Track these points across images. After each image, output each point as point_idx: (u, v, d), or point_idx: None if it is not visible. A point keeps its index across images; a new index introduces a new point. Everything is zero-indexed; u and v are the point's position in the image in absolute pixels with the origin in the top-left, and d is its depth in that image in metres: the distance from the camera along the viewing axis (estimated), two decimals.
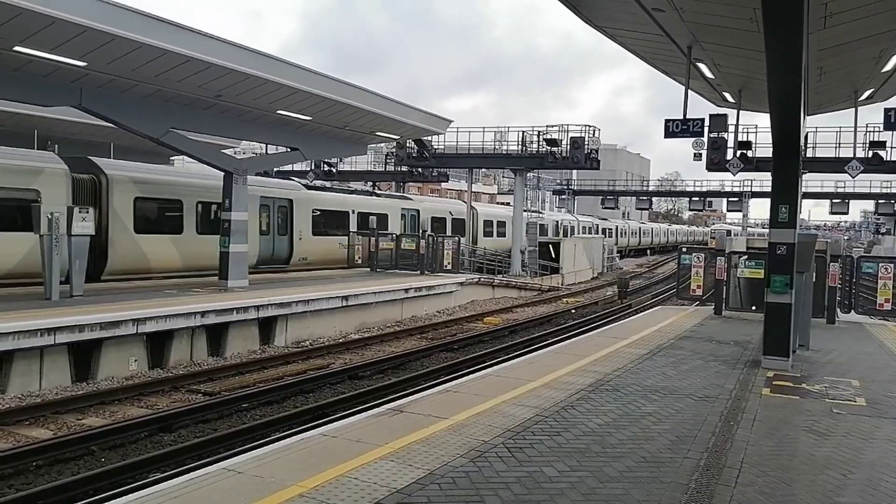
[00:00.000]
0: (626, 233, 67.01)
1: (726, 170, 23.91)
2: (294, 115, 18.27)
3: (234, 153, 28.72)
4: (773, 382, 9.54)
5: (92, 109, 15.21)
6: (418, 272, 24.51)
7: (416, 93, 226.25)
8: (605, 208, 60.92)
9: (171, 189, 19.88)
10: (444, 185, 56.97)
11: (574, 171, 61.23)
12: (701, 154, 22.62)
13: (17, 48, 12.02)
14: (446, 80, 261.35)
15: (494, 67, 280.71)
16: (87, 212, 14.87)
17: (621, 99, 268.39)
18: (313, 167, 38.11)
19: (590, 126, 32.97)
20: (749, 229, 62.10)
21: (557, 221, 49.63)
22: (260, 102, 16.85)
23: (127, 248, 18.28)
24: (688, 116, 17.64)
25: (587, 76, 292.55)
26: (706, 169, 23.73)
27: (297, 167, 35.53)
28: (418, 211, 33.07)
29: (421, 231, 29.97)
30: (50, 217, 14.07)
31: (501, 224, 39.48)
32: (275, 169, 31.75)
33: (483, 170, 59.47)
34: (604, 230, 56.70)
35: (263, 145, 31.34)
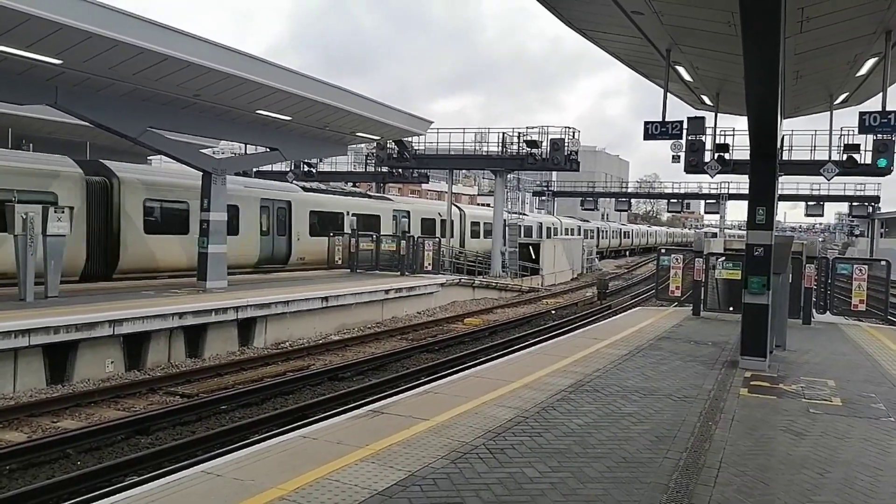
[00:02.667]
0: (607, 234, 67.14)
1: (704, 172, 24.14)
2: (274, 115, 18.16)
3: (213, 153, 28.51)
4: (751, 382, 9.64)
5: (68, 108, 15.01)
6: (399, 273, 24.47)
7: (405, 94, 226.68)
8: (585, 209, 61.14)
9: (179, 192, 20.49)
10: (424, 185, 57.03)
11: (554, 173, 61.69)
12: (679, 156, 22.84)
13: None
14: (435, 82, 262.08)
15: (483, 70, 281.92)
16: (63, 212, 14.67)
17: (607, 102, 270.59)
18: (293, 167, 37.92)
19: (569, 128, 33.17)
20: (727, 231, 62.70)
21: (541, 223, 49.85)
22: (239, 102, 16.72)
23: (137, 248, 19.12)
24: (667, 119, 17.77)
25: (575, 79, 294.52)
26: (684, 171, 23.94)
27: (277, 167, 35.33)
28: (409, 213, 33.51)
29: (404, 232, 30.02)
30: (24, 217, 13.85)
31: (488, 225, 39.59)
32: (253, 169, 31.55)
33: (463, 171, 59.61)
34: (586, 231, 56.96)
35: (243, 145, 31.16)
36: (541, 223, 49.73)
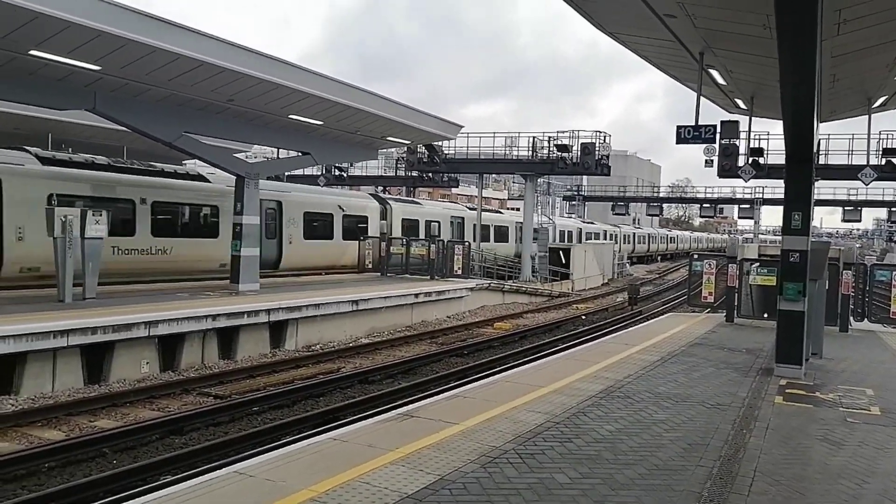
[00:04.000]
0: (631, 240, 64.57)
1: (738, 176, 23.84)
2: (306, 120, 18.34)
3: (246, 157, 28.84)
4: (786, 391, 9.48)
5: (106, 113, 15.32)
6: (429, 277, 24.52)
7: (437, 100, 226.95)
8: (616, 214, 60.57)
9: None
10: (454, 190, 57.03)
11: (584, 177, 61.21)
12: (712, 161, 22.56)
13: (32, 52, 12.12)
14: (468, 87, 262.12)
15: (517, 75, 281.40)
16: (101, 215, 14.95)
17: (641, 106, 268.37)
18: (324, 171, 38.22)
19: (600, 132, 32.98)
20: (761, 236, 61.70)
21: (581, 229, 49.85)
22: (272, 107, 16.92)
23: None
24: (700, 123, 17.57)
25: (609, 83, 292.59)
26: (717, 175, 23.68)
27: (308, 171, 35.66)
28: (463, 219, 34.31)
29: (433, 237, 30.14)
30: (63, 220, 14.16)
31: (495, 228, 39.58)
32: (285, 174, 31.91)
33: (493, 175, 59.54)
34: (610, 235, 55.96)
35: (275, 149, 31.49)
36: (580, 229, 49.71)
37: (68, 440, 8.94)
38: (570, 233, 48.94)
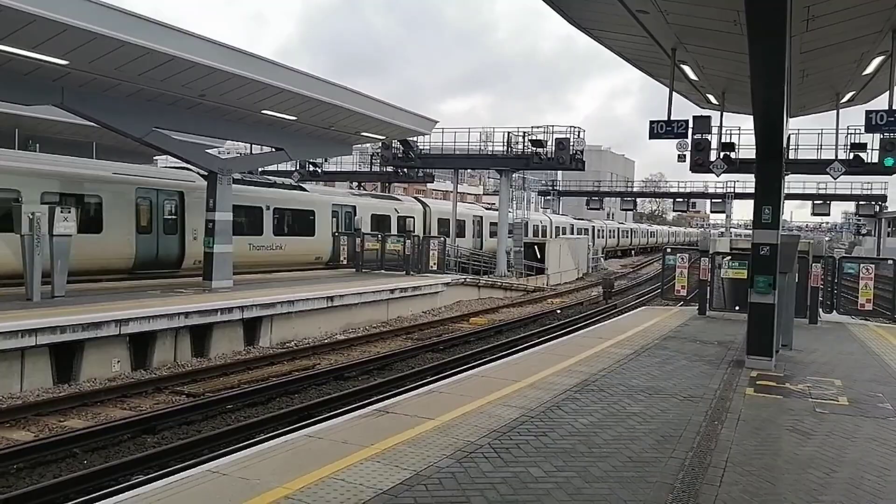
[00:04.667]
0: (603, 234, 64.64)
1: (710, 171, 24.04)
2: (279, 115, 18.19)
3: (219, 153, 28.54)
4: (757, 382, 9.61)
5: (74, 108, 15.09)
6: (404, 273, 24.48)
7: (415, 95, 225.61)
8: (590, 209, 60.85)
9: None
10: (429, 185, 56.97)
11: (559, 172, 61.47)
12: (684, 156, 22.74)
13: None
14: (445, 83, 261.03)
15: (494, 70, 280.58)
16: (69, 212, 14.72)
17: (616, 101, 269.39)
18: (298, 167, 37.96)
19: (575, 127, 33.10)
20: (733, 230, 62.41)
21: (573, 224, 50.66)
22: (244, 102, 16.75)
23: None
24: (672, 118, 17.71)
25: (585, 79, 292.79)
26: (690, 170, 23.84)
27: (282, 167, 35.38)
28: (354, 207, 31.69)
29: (409, 232, 30.06)
30: (31, 217, 13.91)
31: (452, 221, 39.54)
32: (259, 169, 31.64)
33: (469, 170, 59.51)
34: (580, 230, 56.07)
35: (248, 145, 31.20)
36: (555, 224, 49.91)
37: (37, 440, 8.80)
38: (564, 228, 49.77)
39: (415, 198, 37.04)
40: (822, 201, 46.95)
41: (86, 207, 17.84)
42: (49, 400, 10.79)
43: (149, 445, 9.13)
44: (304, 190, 27.24)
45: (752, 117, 10.44)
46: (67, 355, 12.17)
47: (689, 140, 20.52)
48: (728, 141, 24.29)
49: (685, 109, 22.48)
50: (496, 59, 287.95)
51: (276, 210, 24.40)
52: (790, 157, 25.31)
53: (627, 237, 74.96)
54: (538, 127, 33.27)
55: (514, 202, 36.75)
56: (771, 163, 10.82)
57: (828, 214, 49.23)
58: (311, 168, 38.65)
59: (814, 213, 48.25)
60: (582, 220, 61.01)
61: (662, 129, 17.47)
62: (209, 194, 18.22)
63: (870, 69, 15.49)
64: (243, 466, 5.72)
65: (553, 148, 32.38)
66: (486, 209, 41.46)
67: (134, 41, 12.65)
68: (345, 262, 25.99)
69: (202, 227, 19.87)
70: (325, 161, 39.68)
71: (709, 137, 22.70)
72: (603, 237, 63.60)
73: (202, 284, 17.96)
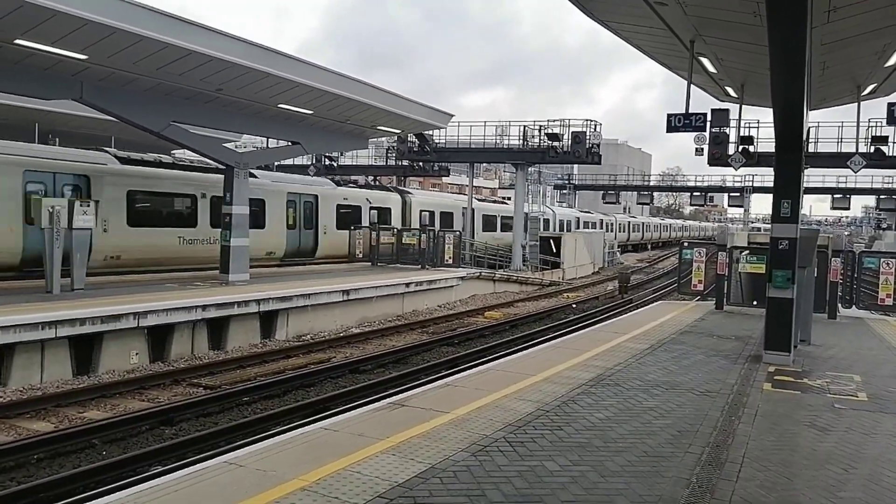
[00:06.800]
0: (613, 228, 60.84)
1: (728, 165, 23.84)
2: (295, 109, 18.24)
3: (235, 147, 28.67)
4: (775, 377, 9.54)
5: (93, 103, 15.19)
6: (419, 266, 24.51)
7: (436, 89, 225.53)
8: (606, 203, 60.49)
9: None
10: (444, 179, 56.93)
11: (575, 166, 61.14)
12: (702, 149, 22.56)
13: (18, 41, 11.98)
14: (467, 76, 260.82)
15: (516, 64, 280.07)
16: (88, 205, 14.86)
17: (638, 95, 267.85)
18: (314, 161, 38.08)
19: (591, 121, 32.94)
20: (751, 224, 61.86)
21: (578, 218, 50.33)
22: (261, 96, 16.81)
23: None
24: (690, 111, 17.57)
25: (607, 72, 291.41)
26: (708, 164, 23.63)
27: (299, 161, 35.50)
28: (316, 197, 28.68)
29: (424, 226, 30.05)
30: (51, 210, 14.06)
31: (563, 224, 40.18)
32: (275, 163, 31.75)
33: (484, 164, 59.44)
34: (590, 224, 55.25)
35: (265, 139, 31.33)
36: (578, 218, 50.00)
37: (57, 431, 8.91)
38: (568, 222, 49.37)
39: (394, 188, 34.37)
40: (842, 195, 46.48)
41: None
42: (68, 391, 10.92)
43: (167, 437, 9.22)
44: (253, 176, 21.13)
45: (771, 110, 10.33)
46: (87, 347, 12.30)
47: (707, 133, 20.38)
48: (746, 134, 24.08)
49: (704, 102, 22.33)
50: (519, 52, 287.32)
51: (214, 199, 20.82)
52: (810, 150, 25.03)
53: (639, 231, 71.16)
54: (554, 120, 33.16)
55: (529, 196, 36.37)
56: (790, 156, 10.71)
57: (848, 208, 48.78)
58: (328, 162, 38.77)
59: (833, 207, 47.84)
60: (589, 213, 58.87)
61: (680, 122, 17.36)
62: (226, 188, 18.30)
63: (892, 61, 15.26)
64: (260, 458, 5.76)
65: (569, 141, 32.25)
66: (481, 201, 39.41)
67: (152, 35, 12.72)
68: (360, 256, 26.08)
69: (119, 219, 18.11)
70: (342, 155, 39.78)
71: (727, 131, 22.53)
72: (612, 231, 59.94)
73: (219, 278, 18.07)
